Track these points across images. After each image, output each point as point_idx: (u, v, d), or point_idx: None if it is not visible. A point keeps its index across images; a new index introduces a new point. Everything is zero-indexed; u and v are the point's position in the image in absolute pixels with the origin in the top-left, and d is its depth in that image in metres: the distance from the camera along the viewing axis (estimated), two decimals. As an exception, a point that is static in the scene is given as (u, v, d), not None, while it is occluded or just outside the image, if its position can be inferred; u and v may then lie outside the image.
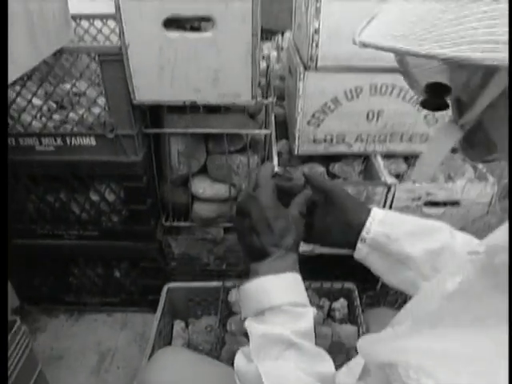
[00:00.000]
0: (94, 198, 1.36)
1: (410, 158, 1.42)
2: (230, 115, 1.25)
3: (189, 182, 1.34)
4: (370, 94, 1.27)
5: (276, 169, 0.74)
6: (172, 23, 1.06)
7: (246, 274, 0.66)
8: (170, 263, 1.50)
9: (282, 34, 2.53)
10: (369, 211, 0.74)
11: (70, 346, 1.55)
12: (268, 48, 2.81)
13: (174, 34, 1.05)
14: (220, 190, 1.35)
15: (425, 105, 0.44)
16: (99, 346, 1.56)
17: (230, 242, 1.46)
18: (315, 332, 0.62)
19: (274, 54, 2.56)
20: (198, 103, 1.14)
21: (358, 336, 1.18)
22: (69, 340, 1.57)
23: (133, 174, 1.28)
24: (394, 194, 1.25)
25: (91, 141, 1.24)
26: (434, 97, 0.43)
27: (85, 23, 1.50)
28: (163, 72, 1.10)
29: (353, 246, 0.74)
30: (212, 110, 1.24)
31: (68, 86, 1.21)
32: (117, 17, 1.03)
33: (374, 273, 0.76)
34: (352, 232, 0.74)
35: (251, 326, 0.60)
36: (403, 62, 0.47)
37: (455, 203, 1.24)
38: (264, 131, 1.27)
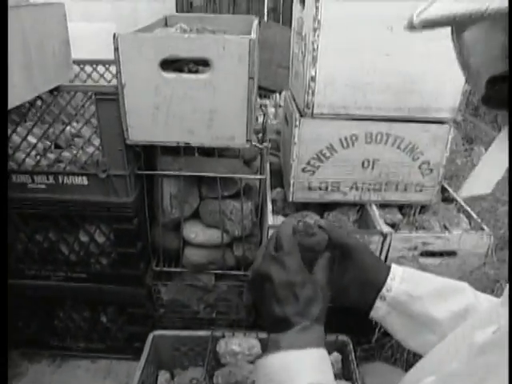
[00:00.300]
0: (84, 238, 1.32)
1: (405, 207, 1.38)
2: (225, 159, 1.22)
3: (181, 226, 1.30)
4: (366, 142, 1.25)
5: (294, 222, 0.70)
6: (169, 65, 1.05)
7: (266, 340, 0.61)
8: (158, 309, 1.44)
9: (280, 93, 2.58)
10: (388, 268, 0.70)
11: (48, 394, 1.46)
12: (266, 105, 2.85)
13: (171, 75, 1.05)
14: (212, 235, 1.31)
15: (487, 101, 0.40)
16: (80, 396, 1.46)
17: (221, 290, 1.40)
18: None
19: (271, 110, 2.61)
20: (191, 145, 1.12)
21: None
22: (47, 385, 1.48)
23: (124, 215, 1.25)
24: (389, 243, 1.20)
25: (83, 180, 1.21)
26: (498, 91, 0.38)
27: (88, 68, 1.51)
28: (158, 112, 1.08)
29: (370, 305, 0.69)
30: (206, 153, 1.22)
31: (63, 125, 1.20)
32: (115, 56, 1.03)
33: (391, 333, 0.71)
34: (371, 290, 0.69)
35: None
36: (462, 52, 0.42)
37: (452, 253, 1.20)
38: (258, 176, 1.24)
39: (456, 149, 1.93)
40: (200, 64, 1.08)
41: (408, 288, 0.67)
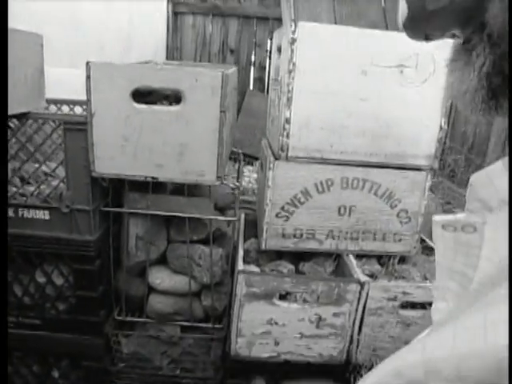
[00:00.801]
0: (41, 279, 1.21)
1: (383, 258, 1.30)
2: (195, 199, 1.16)
3: (146, 270, 1.20)
4: (342, 188, 1.20)
5: None
6: (141, 98, 1.02)
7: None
8: (117, 364, 1.29)
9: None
10: None
11: None
12: (248, 170, 2.85)
13: (142, 106, 1.00)
14: (180, 282, 1.21)
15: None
16: None
17: (186, 344, 1.27)
18: None
19: (254, 175, 2.59)
20: (159, 179, 1.06)
21: None
22: None
23: (85, 255, 1.15)
24: (367, 293, 1.11)
25: (45, 214, 1.13)
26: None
27: (65, 108, 1.47)
28: (127, 144, 1.03)
29: None
30: (176, 191, 1.16)
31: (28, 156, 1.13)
32: (86, 84, 0.99)
33: None
34: None
35: None
36: None
37: (432, 305, 1.10)
38: (230, 218, 1.17)
39: (434, 211, 1.89)
40: (172, 101, 1.04)
41: None
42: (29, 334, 1.26)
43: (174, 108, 1.00)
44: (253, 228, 1.44)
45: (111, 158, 1.05)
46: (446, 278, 0.38)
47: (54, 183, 1.12)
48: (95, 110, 1.01)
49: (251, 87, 3.51)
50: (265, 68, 3.48)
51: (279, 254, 1.32)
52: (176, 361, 1.28)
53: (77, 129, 1.04)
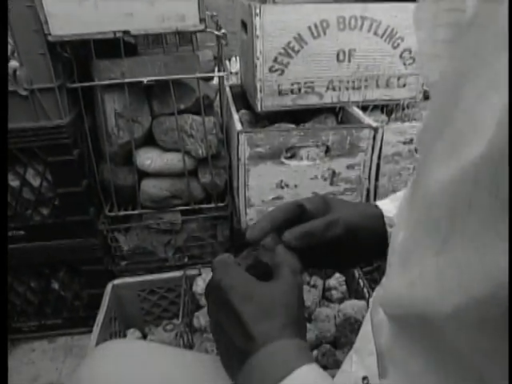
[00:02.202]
0: (14, 183, 1.02)
1: (388, 108, 1.16)
2: (179, 56, 0.95)
3: (132, 153, 1.02)
4: (339, 29, 1.02)
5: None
6: None
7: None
8: (118, 263, 1.15)
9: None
10: (376, 210, 0.52)
11: (-2, 385, 1.15)
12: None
13: None
14: (172, 160, 1.04)
15: None
16: (36, 381, 1.16)
17: (190, 229, 1.13)
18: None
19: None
20: (131, 33, 0.85)
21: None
22: (-3, 378, 1.16)
23: (59, 143, 0.96)
24: (382, 138, 0.98)
25: (1, 103, 0.92)
26: None
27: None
28: (83, -10, 0.80)
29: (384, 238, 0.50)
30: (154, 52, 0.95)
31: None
32: None
33: None
34: (378, 245, 0.50)
35: None
36: None
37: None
38: (218, 74, 0.98)
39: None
40: None
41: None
42: (15, 247, 1.09)
43: None
44: (240, 100, 1.26)
45: (68, 15, 0.83)
46: None
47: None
48: None
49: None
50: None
51: (276, 114, 1.16)
52: (182, 249, 1.15)
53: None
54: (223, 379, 0.45)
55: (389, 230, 0.50)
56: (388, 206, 0.52)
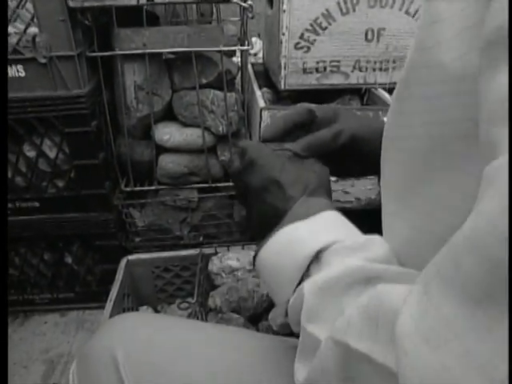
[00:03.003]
0: (30, 154, 0.99)
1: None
2: (203, 28, 0.91)
3: (151, 126, 0.99)
4: (369, 6, 0.97)
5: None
6: None
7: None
8: (132, 239, 1.13)
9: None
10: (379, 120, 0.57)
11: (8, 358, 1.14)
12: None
13: None
14: (191, 135, 1.00)
15: None
16: (47, 353, 1.15)
17: (207, 207, 1.10)
18: None
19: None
20: (155, 0, 0.81)
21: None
22: (8, 351, 1.15)
23: (77, 114, 0.93)
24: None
25: (19, 70, 0.89)
26: None
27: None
28: (106, -47, 0.76)
29: None
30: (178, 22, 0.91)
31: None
32: None
33: None
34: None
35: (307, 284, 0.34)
36: None
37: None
38: (243, 47, 0.93)
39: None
40: None
41: None
42: (30, 219, 1.07)
43: None
44: (262, 80, 1.21)
45: (89, -21, 0.79)
46: None
47: (21, 26, 0.87)
48: None
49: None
50: None
51: (300, 94, 1.11)
52: (197, 227, 1.12)
53: None
54: (244, 342, 0.48)
55: None
56: None
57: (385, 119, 0.50)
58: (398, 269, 0.32)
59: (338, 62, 1.02)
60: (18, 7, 0.85)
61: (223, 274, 0.89)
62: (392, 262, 0.34)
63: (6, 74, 0.88)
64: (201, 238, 1.12)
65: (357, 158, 0.50)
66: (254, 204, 0.44)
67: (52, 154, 1.00)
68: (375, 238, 0.36)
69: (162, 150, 1.03)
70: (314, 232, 0.37)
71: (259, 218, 0.44)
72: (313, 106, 0.51)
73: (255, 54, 2.04)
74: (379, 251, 0.34)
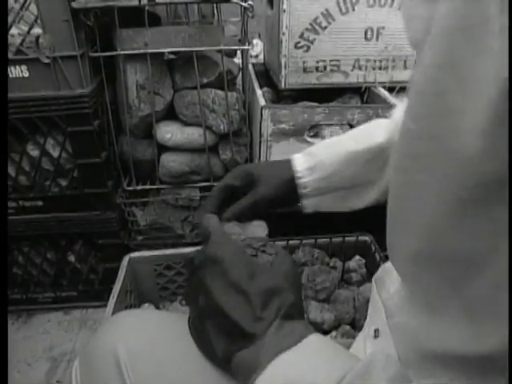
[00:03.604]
0: (33, 153, 1.01)
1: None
2: (204, 28, 0.92)
3: (153, 125, 1.00)
4: (368, 5, 0.98)
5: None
6: None
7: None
8: (135, 238, 1.14)
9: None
10: (289, 163, 0.59)
11: (12, 355, 1.15)
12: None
13: None
14: (193, 134, 1.02)
15: None
16: (51, 351, 1.16)
17: (208, 206, 1.11)
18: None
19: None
20: (157, 0, 0.82)
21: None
22: (12, 348, 1.16)
23: (79, 113, 0.94)
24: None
25: (23, 71, 0.90)
26: None
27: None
28: (108, -46, 0.78)
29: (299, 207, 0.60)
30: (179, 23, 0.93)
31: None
32: None
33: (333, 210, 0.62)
34: (291, 197, 0.59)
35: None
36: None
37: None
38: (241, 47, 0.94)
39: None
40: None
41: (321, 173, 0.57)
42: (33, 218, 1.08)
43: None
44: (262, 80, 1.23)
45: (91, -20, 0.80)
46: None
47: (25, 28, 0.88)
48: None
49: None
50: None
51: (299, 93, 1.12)
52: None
53: None
54: None
55: (301, 191, 0.58)
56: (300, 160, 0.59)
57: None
58: None
59: (338, 61, 1.03)
60: (21, 9, 0.86)
61: None
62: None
63: (7, 77, 0.89)
64: (202, 237, 1.13)
65: (272, 207, 0.58)
66: (212, 313, 0.38)
67: (55, 153, 1.01)
68: (374, 359, 0.33)
69: (163, 149, 1.04)
70: (315, 370, 0.33)
71: (216, 331, 0.38)
72: (228, 178, 0.56)
73: (256, 56, 2.05)
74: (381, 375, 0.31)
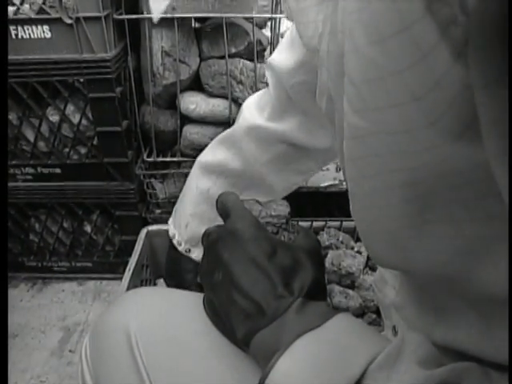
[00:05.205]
0: (53, 118, 0.98)
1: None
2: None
3: (177, 94, 0.97)
4: None
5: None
6: None
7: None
8: (153, 211, 1.12)
9: None
10: None
11: (26, 322, 1.15)
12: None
13: None
14: (218, 106, 0.98)
15: None
16: (64, 320, 1.16)
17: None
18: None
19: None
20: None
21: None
22: (26, 315, 1.17)
23: (102, 79, 0.91)
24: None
25: (45, 32, 0.87)
26: None
27: None
28: None
29: None
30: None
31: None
32: None
33: None
34: None
35: None
36: None
37: None
38: (276, 15, 0.90)
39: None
40: None
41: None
42: (50, 185, 1.07)
43: None
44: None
45: None
46: None
47: (49, -14, 0.85)
48: None
49: None
50: None
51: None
52: (219, 203, 1.10)
53: None
54: None
55: None
56: None
57: None
58: None
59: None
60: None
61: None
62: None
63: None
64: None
65: None
66: (230, 290, 0.36)
67: (75, 120, 0.98)
68: (405, 341, 0.31)
69: (186, 120, 1.01)
70: (344, 349, 0.31)
71: (234, 310, 0.36)
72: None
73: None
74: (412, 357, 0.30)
